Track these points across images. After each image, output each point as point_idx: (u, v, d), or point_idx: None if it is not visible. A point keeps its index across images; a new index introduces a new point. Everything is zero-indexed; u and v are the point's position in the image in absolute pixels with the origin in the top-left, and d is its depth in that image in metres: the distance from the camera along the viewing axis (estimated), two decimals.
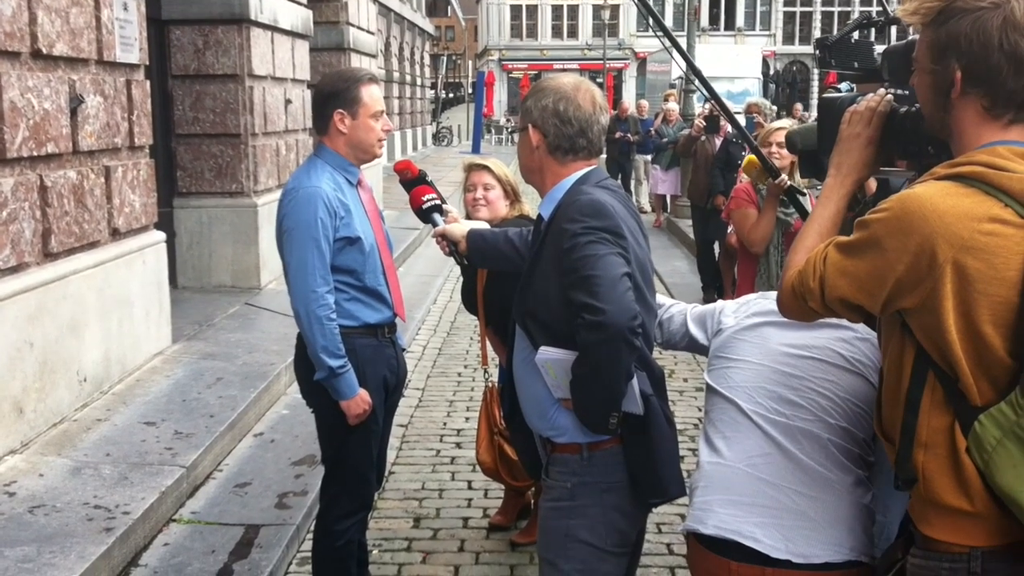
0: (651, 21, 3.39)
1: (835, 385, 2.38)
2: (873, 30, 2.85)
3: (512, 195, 4.12)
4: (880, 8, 2.88)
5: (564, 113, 2.60)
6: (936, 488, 1.86)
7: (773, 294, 2.54)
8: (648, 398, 2.55)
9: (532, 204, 3.10)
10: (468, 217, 4.02)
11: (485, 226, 3.37)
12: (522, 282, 2.67)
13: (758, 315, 2.56)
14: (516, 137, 2.83)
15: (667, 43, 3.47)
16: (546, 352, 2.52)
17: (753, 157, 4.58)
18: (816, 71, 51.65)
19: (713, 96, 3.58)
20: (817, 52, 2.84)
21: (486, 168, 4.11)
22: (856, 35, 2.81)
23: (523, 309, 2.64)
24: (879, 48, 2.67)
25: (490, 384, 4.42)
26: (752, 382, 2.44)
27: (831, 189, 2.13)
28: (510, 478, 4.35)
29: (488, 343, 4.40)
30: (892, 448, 1.97)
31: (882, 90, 2.18)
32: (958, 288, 1.77)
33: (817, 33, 54.73)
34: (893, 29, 2.86)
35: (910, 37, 2.14)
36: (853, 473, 2.33)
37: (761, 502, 2.30)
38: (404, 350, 3.80)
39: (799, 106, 24.45)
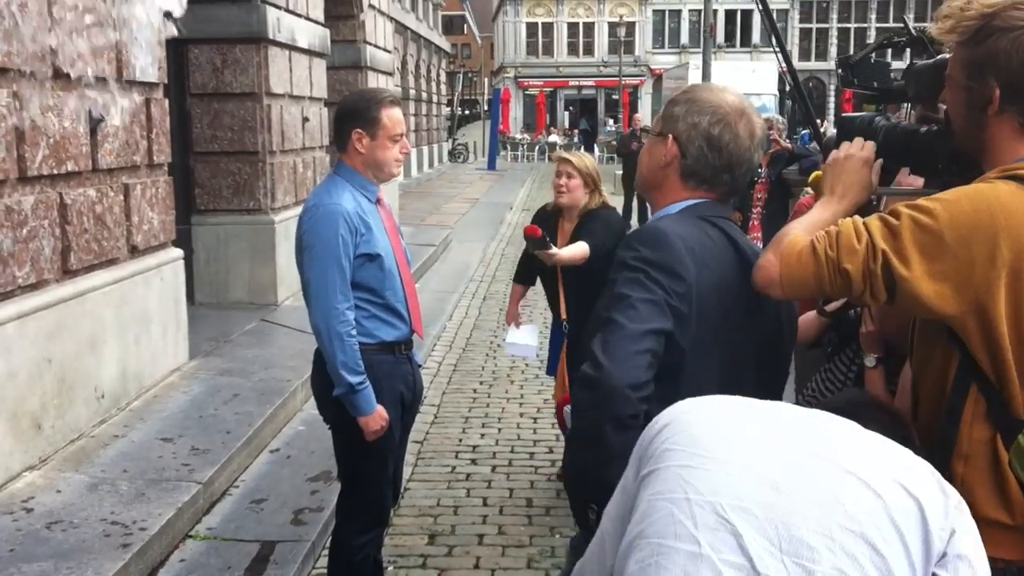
0: (773, 40, 3.25)
1: None
2: (890, 51, 2.83)
3: (592, 185, 4.99)
4: (902, 26, 2.86)
5: (718, 139, 2.15)
6: (975, 500, 1.82)
7: None
8: None
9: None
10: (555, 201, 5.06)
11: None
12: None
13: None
14: (645, 141, 2.45)
15: (780, 58, 3.35)
16: None
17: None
18: (832, 87, 51.62)
19: (806, 110, 3.53)
20: (840, 71, 2.83)
21: (570, 161, 5.03)
22: (875, 55, 2.80)
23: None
24: (897, 65, 2.66)
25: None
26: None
27: (826, 205, 2.06)
28: None
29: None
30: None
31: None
32: (1012, 293, 1.76)
33: (833, 50, 54.68)
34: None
35: (939, 57, 2.12)
36: None
37: None
38: (420, 366, 3.81)
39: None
